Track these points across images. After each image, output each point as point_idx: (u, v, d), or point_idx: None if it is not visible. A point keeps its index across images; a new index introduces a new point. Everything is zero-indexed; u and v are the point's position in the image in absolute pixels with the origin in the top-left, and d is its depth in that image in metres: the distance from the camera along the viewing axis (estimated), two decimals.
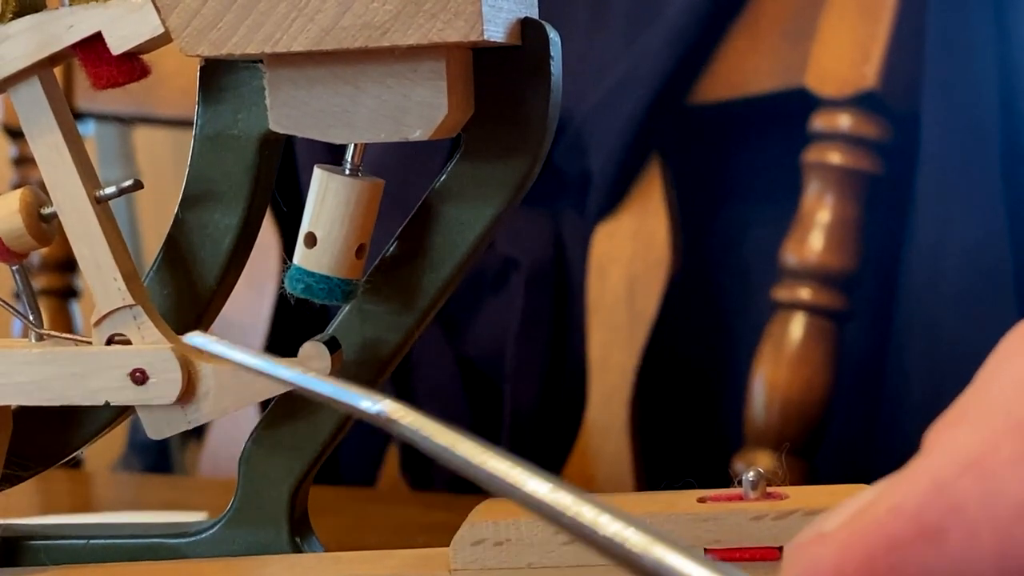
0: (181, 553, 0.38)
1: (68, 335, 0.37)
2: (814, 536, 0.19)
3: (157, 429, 0.37)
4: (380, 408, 0.24)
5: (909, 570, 0.18)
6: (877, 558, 0.18)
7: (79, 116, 0.97)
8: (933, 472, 0.18)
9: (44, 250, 0.38)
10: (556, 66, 0.36)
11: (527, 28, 0.36)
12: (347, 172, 0.35)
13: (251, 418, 0.39)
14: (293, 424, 0.38)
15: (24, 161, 0.99)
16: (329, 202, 0.35)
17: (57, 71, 0.37)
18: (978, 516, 0.18)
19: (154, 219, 1.23)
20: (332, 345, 0.36)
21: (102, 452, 0.99)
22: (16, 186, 0.97)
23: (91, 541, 0.39)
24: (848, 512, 0.19)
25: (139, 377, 0.36)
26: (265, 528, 0.38)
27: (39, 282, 0.96)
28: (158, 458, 1.00)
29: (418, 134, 0.34)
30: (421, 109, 0.34)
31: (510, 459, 0.23)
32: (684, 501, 0.34)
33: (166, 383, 0.36)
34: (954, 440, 0.18)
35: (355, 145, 0.35)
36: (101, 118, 1.06)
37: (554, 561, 0.34)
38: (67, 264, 0.96)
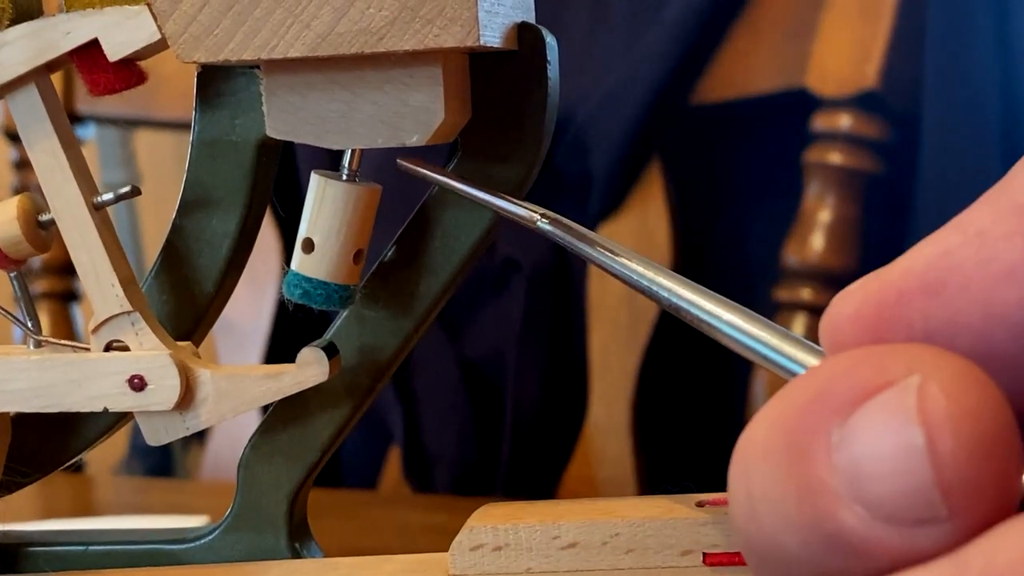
0: (180, 559, 0.38)
1: (66, 342, 0.37)
2: (842, 292, 0.23)
3: (155, 435, 0.37)
4: (527, 212, 0.33)
5: (912, 317, 0.22)
6: (887, 306, 0.22)
7: (80, 120, 0.97)
8: (942, 240, 0.22)
9: (45, 254, 0.38)
10: (553, 70, 0.36)
11: (524, 33, 0.36)
12: (344, 178, 0.35)
13: (253, 421, 0.39)
14: (292, 430, 0.38)
15: (24, 165, 0.99)
16: (326, 208, 0.35)
17: (57, 75, 0.37)
18: (973, 274, 0.21)
19: (156, 222, 1.23)
20: (330, 350, 0.36)
21: (104, 455, 0.99)
22: (17, 189, 0.97)
23: (90, 547, 0.39)
24: (871, 274, 0.23)
25: (137, 383, 0.36)
26: (264, 534, 0.38)
27: (40, 286, 0.96)
28: (160, 461, 1.01)
29: (415, 139, 0.34)
30: (418, 114, 0.34)
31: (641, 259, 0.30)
32: (682, 505, 0.34)
33: (164, 389, 0.36)
34: (966, 217, 0.22)
35: (352, 151, 0.35)
36: (102, 121, 1.06)
37: (553, 566, 0.34)
38: (68, 268, 0.96)
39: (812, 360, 0.25)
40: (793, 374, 0.25)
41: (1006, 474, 0.19)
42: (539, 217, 0.33)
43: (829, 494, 0.20)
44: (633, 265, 0.30)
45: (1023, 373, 0.21)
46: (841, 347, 0.22)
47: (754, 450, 0.21)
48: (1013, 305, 0.21)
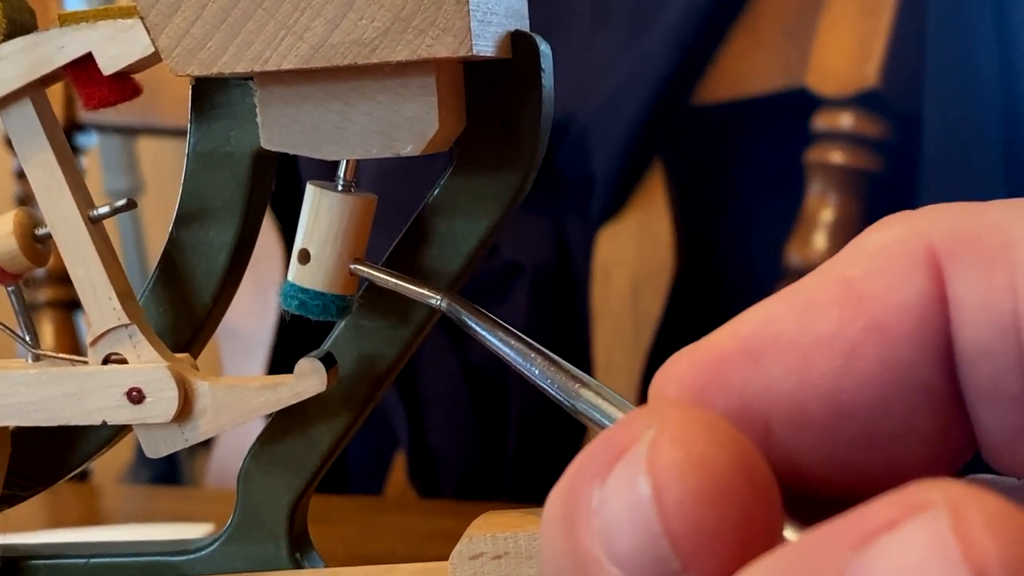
0: (181, 571, 0.38)
1: (64, 355, 0.37)
2: (675, 354, 0.23)
3: (154, 447, 0.37)
4: (437, 299, 0.34)
5: (731, 382, 0.22)
6: (709, 370, 0.22)
7: (82, 128, 0.98)
8: (769, 307, 0.22)
9: (44, 266, 0.38)
10: (547, 78, 0.36)
11: (517, 41, 0.35)
12: (339, 188, 0.35)
13: (258, 428, 0.39)
14: (291, 440, 0.38)
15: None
16: (322, 219, 0.35)
17: (58, 84, 0.37)
18: (789, 342, 0.22)
19: (160, 228, 1.24)
20: (328, 361, 0.36)
21: (110, 464, 1.00)
22: (19, 198, 0.97)
23: (91, 560, 0.39)
24: (705, 337, 0.23)
25: (135, 396, 0.36)
26: (265, 544, 0.38)
27: (44, 294, 0.96)
28: (166, 469, 1.01)
29: (409, 149, 0.34)
30: (412, 124, 0.34)
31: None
32: None
33: (162, 401, 0.36)
34: (796, 286, 0.22)
35: (347, 161, 0.35)
36: (104, 129, 1.06)
37: None
38: None
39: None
40: None
41: (747, 520, 0.19)
42: (440, 298, 0.34)
43: (592, 560, 0.19)
44: (513, 343, 0.34)
45: (838, 442, 0.21)
46: None
47: (544, 521, 0.21)
48: (826, 374, 0.21)
